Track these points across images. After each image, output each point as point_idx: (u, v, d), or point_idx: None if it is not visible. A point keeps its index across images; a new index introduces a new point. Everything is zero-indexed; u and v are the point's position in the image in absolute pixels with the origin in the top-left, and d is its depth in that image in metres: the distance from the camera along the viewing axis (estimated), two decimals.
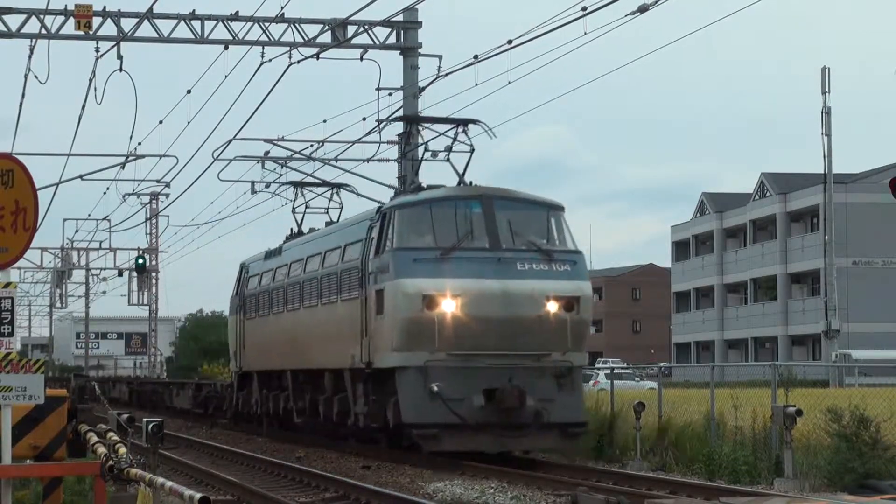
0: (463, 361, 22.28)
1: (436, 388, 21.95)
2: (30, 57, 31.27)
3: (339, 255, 25.79)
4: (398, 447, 23.71)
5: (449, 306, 22.36)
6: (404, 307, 22.45)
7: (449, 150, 25.89)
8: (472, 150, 25.66)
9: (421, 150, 28.05)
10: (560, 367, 22.69)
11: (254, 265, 34.24)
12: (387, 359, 22.92)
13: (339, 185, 33.27)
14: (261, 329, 32.51)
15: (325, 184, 33.81)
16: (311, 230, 31.58)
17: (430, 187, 25.03)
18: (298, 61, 30.58)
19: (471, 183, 24.82)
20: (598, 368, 46.83)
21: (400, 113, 32.83)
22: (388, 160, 34.85)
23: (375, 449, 25.37)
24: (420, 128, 26.94)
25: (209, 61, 62.25)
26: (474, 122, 25.66)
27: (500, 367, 22.27)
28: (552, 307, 22.65)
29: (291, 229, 33.09)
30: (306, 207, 33.55)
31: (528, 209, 23.75)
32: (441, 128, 26.40)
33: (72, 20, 30.62)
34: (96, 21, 30.95)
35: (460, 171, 25.32)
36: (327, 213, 32.78)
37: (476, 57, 27.03)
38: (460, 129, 25.62)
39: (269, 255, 32.73)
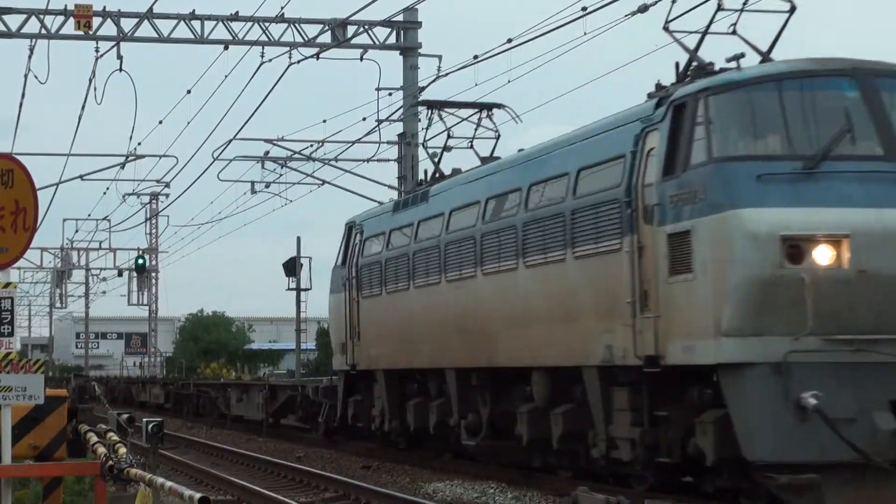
0: (854, 354, 13.42)
1: (812, 401, 13.14)
2: (30, 57, 31.37)
3: (566, 187, 16.80)
4: (699, 495, 15.45)
5: (825, 256, 13.45)
6: (747, 258, 13.44)
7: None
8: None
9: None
10: None
11: (373, 223, 24.66)
12: (705, 350, 13.82)
13: (493, 105, 24.30)
14: (391, 309, 23.12)
15: (470, 105, 24.68)
16: (455, 171, 22.75)
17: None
18: (298, 61, 30.68)
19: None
20: None
21: (400, 114, 32.99)
22: (388, 160, 34.92)
23: (375, 449, 25.31)
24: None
25: (209, 61, 62.54)
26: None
27: None
28: None
29: (426, 171, 24.70)
30: (449, 136, 24.25)
31: None
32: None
33: (72, 20, 30.69)
34: (96, 21, 31.02)
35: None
36: (471, 146, 24.13)
37: (476, 57, 27.03)
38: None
39: (402, 205, 23.34)
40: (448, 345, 20.57)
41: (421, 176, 24.71)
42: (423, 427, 22.15)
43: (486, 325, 19.18)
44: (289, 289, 47.28)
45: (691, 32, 16.90)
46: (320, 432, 28.95)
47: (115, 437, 12.61)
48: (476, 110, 23.42)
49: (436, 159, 24.05)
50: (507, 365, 18.66)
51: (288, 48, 31.19)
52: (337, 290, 26.14)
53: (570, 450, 17.63)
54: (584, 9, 22.14)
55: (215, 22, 31.56)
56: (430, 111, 23.59)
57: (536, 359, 17.76)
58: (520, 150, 19.89)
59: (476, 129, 23.34)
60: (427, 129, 23.70)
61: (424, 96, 26.40)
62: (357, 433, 26.86)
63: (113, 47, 30.83)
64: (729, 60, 15.31)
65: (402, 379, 23.30)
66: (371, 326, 24.15)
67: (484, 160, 22.27)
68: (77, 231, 64.95)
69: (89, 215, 63.18)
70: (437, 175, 23.42)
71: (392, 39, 32.68)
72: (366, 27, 32.13)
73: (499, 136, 23.25)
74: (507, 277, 18.41)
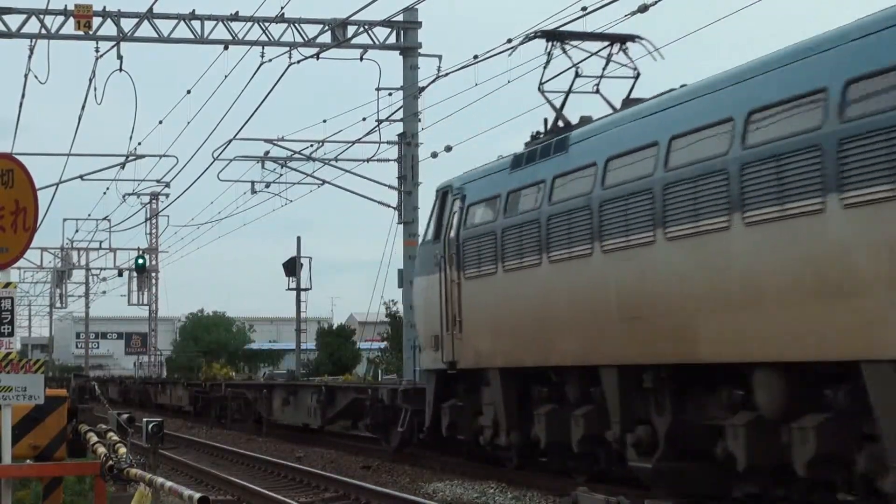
0: None
1: None
2: (30, 57, 31.39)
3: (825, 108, 12.25)
4: None
5: None
6: None
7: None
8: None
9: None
10: None
11: (480, 185, 20.03)
12: None
13: (627, 37, 19.55)
14: (511, 291, 18.40)
15: (599, 36, 19.86)
16: (584, 119, 18.45)
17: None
18: (298, 61, 30.72)
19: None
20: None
21: (400, 114, 33.03)
22: (388, 160, 34.95)
23: (375, 448, 25.28)
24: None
25: (209, 61, 62.69)
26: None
27: None
28: None
29: (545, 119, 19.53)
30: (577, 74, 19.59)
31: None
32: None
33: (72, 20, 30.72)
34: (96, 21, 31.04)
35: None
36: (597, 90, 19.59)
37: (476, 57, 27.06)
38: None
39: (527, 159, 18.55)
40: (606, 335, 15.94)
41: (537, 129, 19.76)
42: (560, 441, 17.77)
43: (674, 307, 14.48)
44: (289, 289, 47.43)
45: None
46: (394, 444, 24.06)
47: (115, 437, 12.60)
48: (606, 44, 19.24)
49: (557, 105, 19.30)
50: (715, 360, 13.94)
51: (288, 48, 31.23)
52: (427, 271, 21.41)
53: (820, 478, 13.03)
54: (583, 9, 22.13)
55: (215, 22, 31.57)
56: (550, 44, 19.34)
57: (767, 351, 13.05)
58: (683, 85, 15.85)
59: (605, 68, 19.20)
60: (546, 66, 19.17)
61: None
62: (449, 446, 22.29)
63: (113, 47, 30.85)
64: None
65: (530, 380, 18.77)
66: (479, 314, 19.46)
67: (627, 103, 17.96)
68: (77, 231, 65.06)
69: (89, 215, 63.30)
70: (563, 125, 18.83)
71: (392, 39, 32.71)
72: (366, 27, 32.16)
73: (638, 74, 19.00)
74: (711, 241, 13.79)
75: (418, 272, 22.22)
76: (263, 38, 31.40)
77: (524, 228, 17.97)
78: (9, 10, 31.13)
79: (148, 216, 66.60)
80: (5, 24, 31.08)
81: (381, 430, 25.15)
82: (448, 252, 20.46)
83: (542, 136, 19.11)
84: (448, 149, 32.69)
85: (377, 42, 32.48)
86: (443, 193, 21.28)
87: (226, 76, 30.72)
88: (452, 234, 20.41)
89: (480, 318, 19.46)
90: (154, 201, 65.68)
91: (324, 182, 38.19)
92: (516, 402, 18.95)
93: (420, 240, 21.85)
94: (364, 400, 26.35)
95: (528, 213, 17.90)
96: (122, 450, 11.57)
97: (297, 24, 31.86)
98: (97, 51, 30.96)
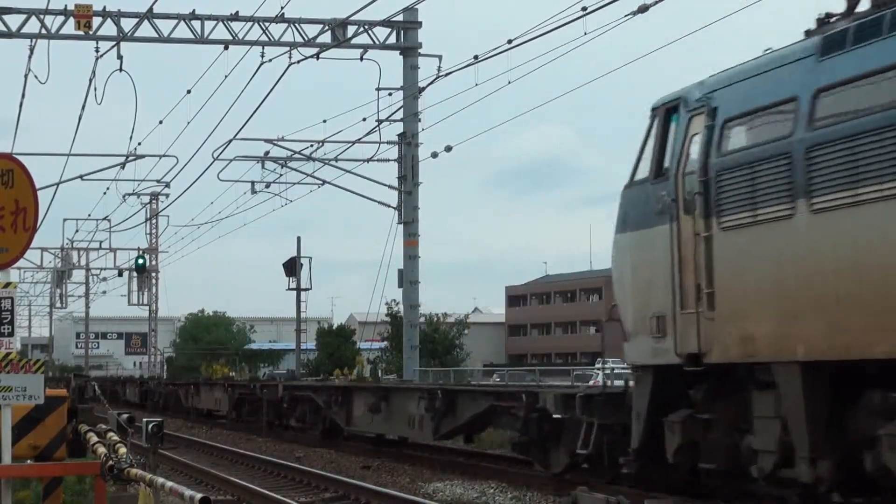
0: None
1: None
2: (30, 57, 31.44)
3: None
4: None
5: None
6: None
7: None
8: None
9: None
10: None
11: (746, 89, 13.73)
12: None
13: None
14: (826, 243, 12.11)
15: None
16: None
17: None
18: (298, 61, 30.75)
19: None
20: (598, 369, 46.64)
21: (400, 114, 33.08)
22: (388, 160, 34.97)
23: (375, 449, 25.28)
24: None
25: (209, 61, 62.69)
26: None
27: None
28: None
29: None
30: None
31: None
32: None
33: (72, 20, 30.78)
34: (96, 21, 31.10)
35: None
36: None
37: (476, 57, 27.12)
38: None
39: (855, 37, 12.17)
40: None
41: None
42: None
43: None
44: (289, 289, 47.46)
45: None
46: (557, 468, 18.46)
47: (115, 437, 12.60)
48: None
49: None
50: None
51: (288, 48, 31.27)
52: (639, 224, 15.30)
53: None
54: (584, 9, 22.18)
55: (215, 22, 31.61)
56: None
57: None
58: None
59: None
60: None
61: None
62: (672, 474, 15.26)
63: (113, 47, 30.89)
64: None
65: (844, 382, 12.46)
66: (752, 280, 13.19)
67: None
68: (77, 231, 65.12)
69: (89, 215, 63.34)
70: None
71: (392, 39, 32.75)
72: (366, 27, 32.21)
73: None
74: None
75: (623, 226, 15.74)
76: (263, 38, 31.44)
77: (863, 141, 11.75)
78: (9, 10, 31.17)
79: (148, 216, 66.65)
80: (5, 24, 31.12)
81: (537, 449, 18.99)
82: (684, 192, 14.33)
83: (834, 19, 13.17)
84: (448, 149, 32.75)
85: (377, 42, 32.52)
86: (665, 111, 15.05)
87: (226, 76, 30.80)
88: (693, 166, 14.26)
89: (755, 287, 13.18)
90: (154, 201, 65.72)
91: (324, 182, 38.26)
92: (825, 415, 12.61)
93: (627, 182, 15.73)
94: (511, 408, 19.97)
95: (872, 117, 11.67)
96: (122, 450, 11.58)
97: (297, 24, 31.90)
98: (97, 51, 31.03)
